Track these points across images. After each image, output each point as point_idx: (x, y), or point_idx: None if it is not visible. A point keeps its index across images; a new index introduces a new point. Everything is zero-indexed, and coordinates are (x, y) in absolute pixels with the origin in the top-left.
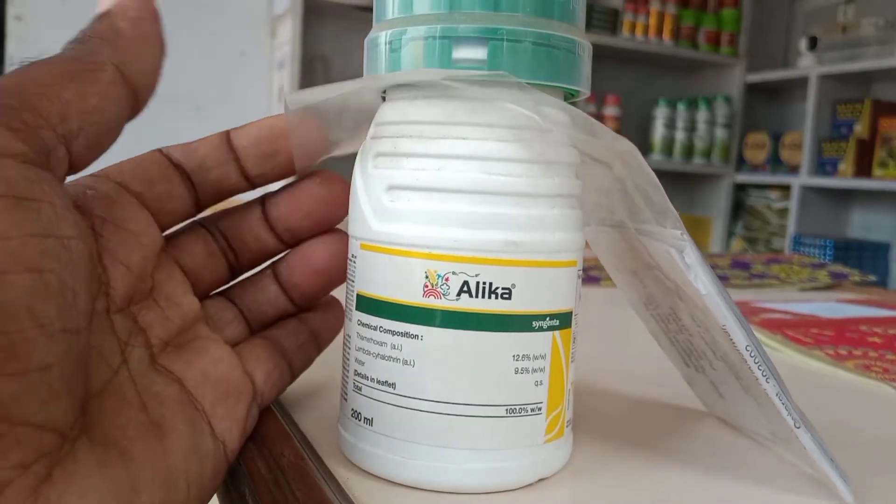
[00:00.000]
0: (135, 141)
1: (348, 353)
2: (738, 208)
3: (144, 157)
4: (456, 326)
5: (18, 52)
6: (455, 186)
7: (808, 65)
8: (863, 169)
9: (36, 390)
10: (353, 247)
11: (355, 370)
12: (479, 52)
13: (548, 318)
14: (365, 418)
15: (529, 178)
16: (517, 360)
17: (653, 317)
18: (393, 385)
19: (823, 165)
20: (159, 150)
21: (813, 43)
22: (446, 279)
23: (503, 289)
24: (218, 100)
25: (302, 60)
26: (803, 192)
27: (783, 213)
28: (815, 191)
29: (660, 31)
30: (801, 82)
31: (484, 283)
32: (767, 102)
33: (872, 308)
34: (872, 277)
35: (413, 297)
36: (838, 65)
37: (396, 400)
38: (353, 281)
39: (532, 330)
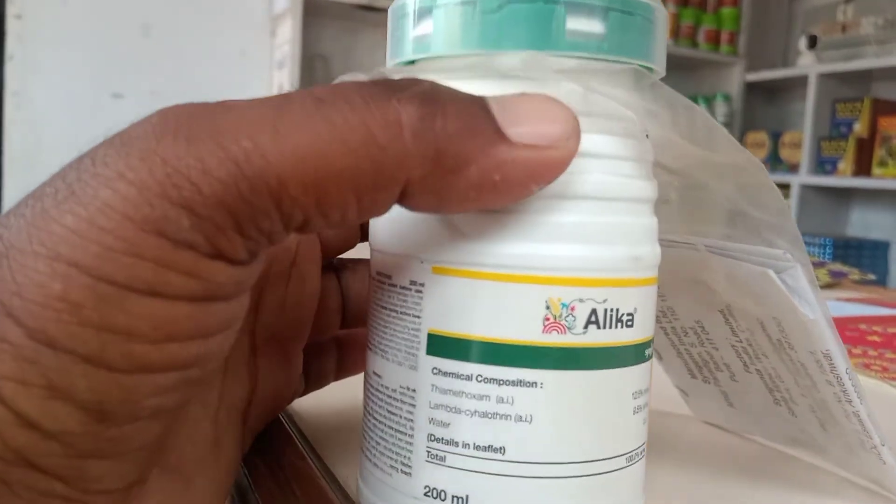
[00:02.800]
0: None
1: (411, 413)
2: None
3: None
4: (583, 367)
5: (18, 52)
6: (579, 192)
7: (807, 64)
8: (862, 168)
9: (122, 467)
10: (412, 271)
11: (431, 434)
12: (595, 25)
13: (650, 344)
14: (454, 497)
15: (639, 180)
16: (636, 397)
17: (662, 329)
18: (501, 450)
19: (823, 164)
20: None
21: (812, 42)
22: (572, 309)
23: (627, 315)
24: (217, 99)
25: (302, 60)
26: (803, 191)
27: None
28: (814, 189)
29: None
30: (801, 81)
31: (611, 310)
32: (767, 101)
33: (872, 307)
34: (872, 276)
35: (529, 334)
36: (838, 64)
37: (506, 468)
38: (414, 317)
39: (644, 360)
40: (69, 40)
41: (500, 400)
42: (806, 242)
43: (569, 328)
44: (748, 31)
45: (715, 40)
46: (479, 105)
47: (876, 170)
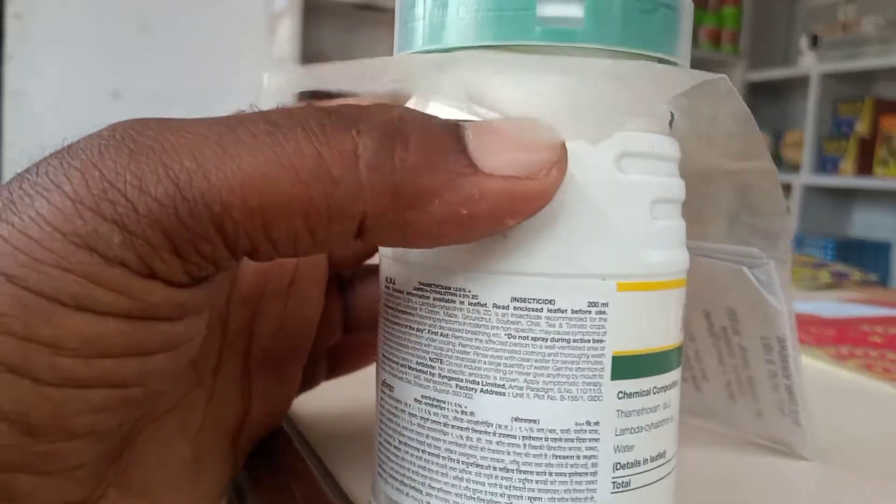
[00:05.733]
0: None
1: (593, 449)
2: None
3: None
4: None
5: (18, 51)
6: (674, 195)
7: (809, 63)
8: (864, 167)
9: (61, 485)
10: (590, 292)
11: (617, 463)
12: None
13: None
14: None
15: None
16: None
17: None
18: (663, 454)
19: (824, 164)
20: None
21: (814, 41)
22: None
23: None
24: (216, 98)
25: (301, 59)
26: (804, 191)
27: None
28: (816, 189)
29: None
30: (803, 81)
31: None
32: (768, 101)
33: (873, 307)
34: (873, 277)
35: (678, 336)
36: (839, 63)
37: (666, 469)
38: (595, 342)
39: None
40: (68, 39)
41: (666, 405)
42: (808, 243)
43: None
44: (749, 31)
45: (716, 39)
46: (450, 134)
47: (878, 170)
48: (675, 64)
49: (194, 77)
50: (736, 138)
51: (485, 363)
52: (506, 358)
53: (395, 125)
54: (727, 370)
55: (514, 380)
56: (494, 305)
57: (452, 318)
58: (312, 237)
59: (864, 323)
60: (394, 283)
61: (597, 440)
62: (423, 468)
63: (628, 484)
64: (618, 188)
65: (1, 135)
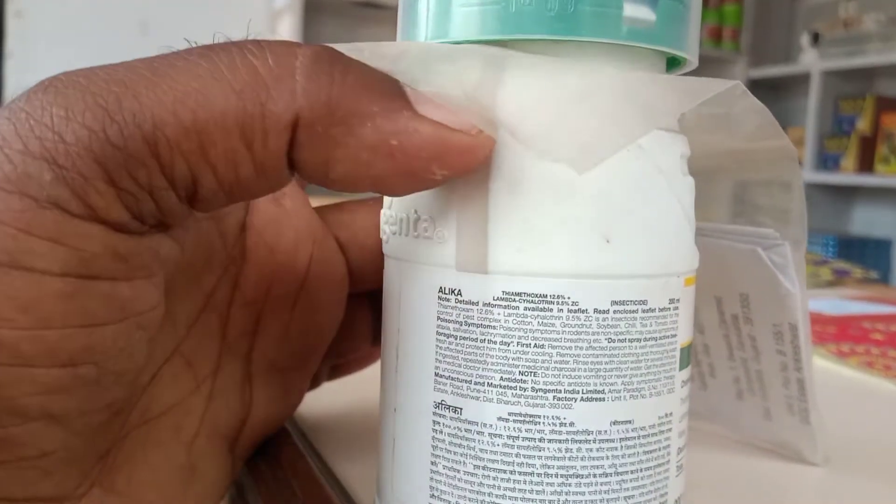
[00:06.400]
0: None
1: (668, 438)
2: None
3: None
4: None
5: (18, 50)
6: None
7: (810, 60)
8: (865, 165)
9: (24, 475)
10: (670, 289)
11: (679, 448)
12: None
13: None
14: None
15: None
16: None
17: None
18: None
19: (825, 161)
20: None
21: (815, 38)
22: None
23: None
24: None
25: None
26: (805, 189)
27: None
28: (817, 187)
29: None
30: (804, 78)
31: None
32: (769, 98)
33: (874, 305)
34: (874, 274)
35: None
36: (840, 60)
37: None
38: (671, 336)
39: None
40: (68, 38)
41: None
42: (809, 241)
43: None
44: (751, 28)
45: (717, 37)
46: (390, 78)
47: (879, 167)
48: (684, 59)
49: None
50: (748, 126)
51: (585, 370)
52: (605, 363)
53: (338, 53)
54: (736, 364)
55: (612, 384)
56: (595, 310)
57: (549, 327)
58: (251, 155)
59: (865, 320)
60: (459, 293)
61: (671, 430)
62: (513, 488)
63: (682, 466)
64: (685, 187)
65: None
